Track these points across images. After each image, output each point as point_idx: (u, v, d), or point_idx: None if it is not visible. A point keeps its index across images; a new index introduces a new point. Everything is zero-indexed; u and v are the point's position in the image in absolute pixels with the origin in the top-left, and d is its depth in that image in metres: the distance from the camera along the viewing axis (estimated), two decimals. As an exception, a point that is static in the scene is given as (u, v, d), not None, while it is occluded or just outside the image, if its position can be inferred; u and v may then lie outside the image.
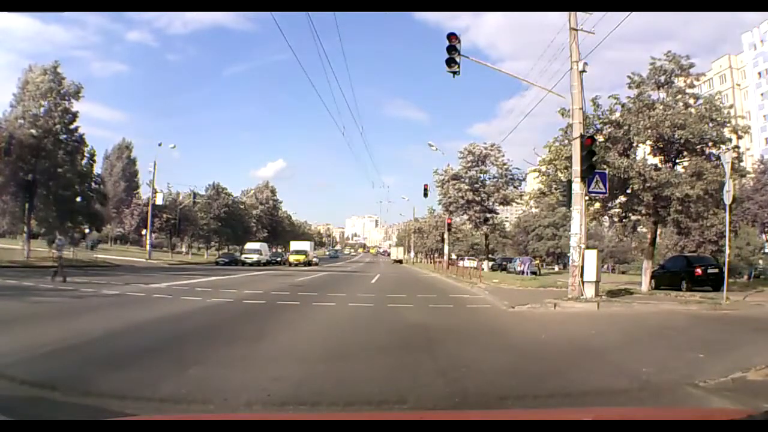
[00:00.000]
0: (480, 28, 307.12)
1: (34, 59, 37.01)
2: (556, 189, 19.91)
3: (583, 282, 13.60)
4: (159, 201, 48.77)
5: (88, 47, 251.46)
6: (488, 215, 41.89)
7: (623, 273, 50.07)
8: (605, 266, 51.22)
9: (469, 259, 57.71)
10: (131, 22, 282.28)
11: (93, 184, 32.54)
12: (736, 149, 18.78)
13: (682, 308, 13.16)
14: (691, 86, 18.18)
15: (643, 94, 17.95)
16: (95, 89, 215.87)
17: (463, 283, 23.14)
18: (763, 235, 43.49)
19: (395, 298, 15.04)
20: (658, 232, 22.27)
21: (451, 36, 14.60)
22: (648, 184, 16.69)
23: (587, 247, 14.26)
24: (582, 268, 13.57)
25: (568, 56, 14.24)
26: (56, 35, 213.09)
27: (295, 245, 59.19)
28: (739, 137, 18.64)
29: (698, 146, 17.38)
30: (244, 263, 44.05)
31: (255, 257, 46.29)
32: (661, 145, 17.83)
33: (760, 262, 40.13)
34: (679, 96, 17.77)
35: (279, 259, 53.09)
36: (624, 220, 19.99)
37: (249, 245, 51.41)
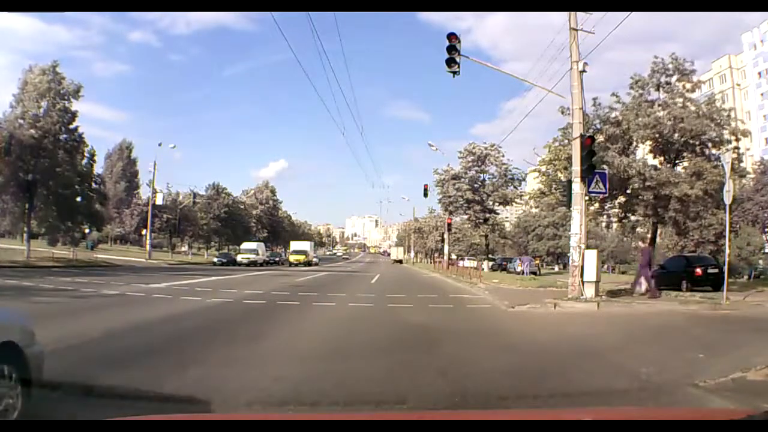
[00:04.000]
0: (483, 30, 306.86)
1: (36, 60, 37.06)
2: (556, 189, 19.96)
3: (583, 282, 13.59)
4: (159, 201, 48.68)
5: (91, 47, 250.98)
6: (488, 215, 41.92)
7: (623, 273, 50.03)
8: (605, 266, 51.18)
9: (469, 259, 57.69)
10: (134, 23, 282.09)
11: (93, 183, 32.51)
12: (736, 150, 18.78)
13: (682, 308, 13.15)
14: (692, 90, 18.20)
15: (643, 93, 17.96)
16: (98, 90, 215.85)
17: (463, 283, 23.14)
18: (764, 235, 43.46)
19: (395, 298, 15.03)
20: (658, 232, 22.26)
21: (451, 36, 14.60)
22: (648, 183, 16.69)
23: (587, 247, 14.25)
24: (582, 268, 13.56)
25: (568, 56, 14.25)
26: (59, 35, 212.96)
27: (295, 245, 59.10)
28: (738, 139, 18.64)
29: (698, 146, 17.39)
30: (240, 264, 42.94)
31: (251, 257, 45.07)
32: (661, 145, 17.84)
33: (760, 262, 40.10)
34: (679, 99, 17.77)
35: (277, 259, 52.77)
36: (624, 221, 20.00)
37: (245, 245, 50.17)
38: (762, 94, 67.48)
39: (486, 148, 40.91)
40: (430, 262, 63.48)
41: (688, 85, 18.05)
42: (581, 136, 13.83)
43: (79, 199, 30.78)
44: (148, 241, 46.16)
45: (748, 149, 48.01)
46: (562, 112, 17.02)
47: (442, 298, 15.99)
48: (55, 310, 10.55)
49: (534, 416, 2.87)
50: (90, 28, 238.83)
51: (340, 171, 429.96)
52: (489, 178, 41.65)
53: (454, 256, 56.61)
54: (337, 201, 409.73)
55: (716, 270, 19.72)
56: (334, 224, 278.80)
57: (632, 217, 19.69)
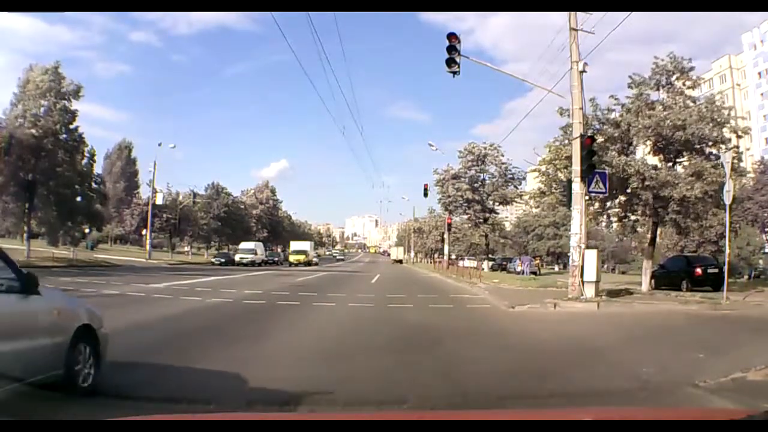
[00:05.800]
0: (485, 30, 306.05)
1: (37, 60, 36.94)
2: (556, 189, 19.89)
3: (583, 282, 13.58)
4: (159, 201, 48.62)
5: (93, 48, 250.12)
6: (488, 215, 41.93)
7: (623, 273, 50.03)
8: (605, 266, 51.22)
9: (469, 259, 57.65)
10: (135, 23, 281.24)
11: (93, 183, 32.48)
12: (736, 149, 18.75)
13: (682, 308, 13.16)
14: (692, 88, 18.17)
15: (642, 93, 17.93)
16: (99, 90, 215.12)
17: (463, 283, 23.14)
18: (764, 235, 43.46)
19: (395, 299, 15.03)
20: (658, 232, 22.22)
21: (451, 36, 14.60)
22: (647, 183, 16.67)
23: (587, 247, 14.25)
24: (582, 268, 13.56)
25: (569, 56, 14.24)
26: (60, 36, 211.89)
27: (295, 245, 59.04)
28: (739, 137, 18.60)
29: (698, 146, 17.36)
30: (239, 264, 42.45)
31: (249, 257, 44.50)
32: (661, 145, 17.81)
33: (760, 262, 40.11)
34: (679, 97, 17.74)
35: (276, 259, 52.59)
36: (623, 220, 19.98)
37: (243, 245, 49.61)
38: (762, 94, 67.46)
39: (485, 148, 40.91)
40: (430, 262, 63.44)
41: (688, 83, 18.03)
42: (581, 135, 13.82)
43: (79, 199, 30.77)
44: (148, 241, 46.13)
45: (748, 149, 48.09)
46: (561, 114, 17.00)
47: (442, 298, 15.99)
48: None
49: (534, 416, 2.87)
50: (91, 28, 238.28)
51: (340, 171, 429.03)
52: (489, 177, 41.68)
53: (454, 256, 56.60)
54: (337, 201, 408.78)
55: (716, 270, 19.73)
56: (334, 224, 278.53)
57: (632, 217, 19.66)
